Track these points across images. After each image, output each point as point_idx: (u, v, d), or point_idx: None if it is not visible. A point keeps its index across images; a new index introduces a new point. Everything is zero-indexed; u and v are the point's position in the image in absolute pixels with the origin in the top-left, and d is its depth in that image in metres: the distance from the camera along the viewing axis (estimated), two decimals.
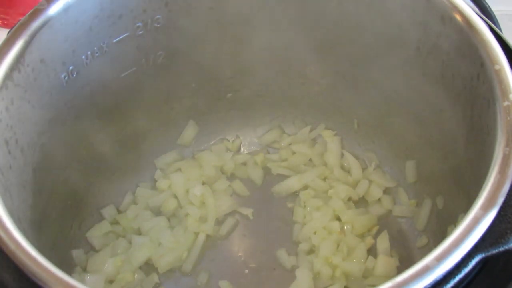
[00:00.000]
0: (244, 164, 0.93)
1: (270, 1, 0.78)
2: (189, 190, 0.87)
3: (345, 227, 0.84)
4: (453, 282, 0.48)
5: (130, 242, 0.83)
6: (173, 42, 0.79)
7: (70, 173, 0.78)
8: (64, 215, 0.79)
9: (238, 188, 0.91)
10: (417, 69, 0.73)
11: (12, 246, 0.50)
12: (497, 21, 0.73)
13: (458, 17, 0.65)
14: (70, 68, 0.70)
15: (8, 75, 0.61)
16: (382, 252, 0.82)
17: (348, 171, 0.91)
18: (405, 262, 0.81)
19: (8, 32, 0.64)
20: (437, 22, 0.67)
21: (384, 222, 0.86)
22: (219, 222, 0.87)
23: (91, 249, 0.83)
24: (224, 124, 0.95)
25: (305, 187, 0.90)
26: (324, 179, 0.90)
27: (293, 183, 0.90)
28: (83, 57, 0.71)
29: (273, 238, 0.85)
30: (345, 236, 0.83)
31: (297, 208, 0.87)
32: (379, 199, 0.88)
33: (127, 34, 0.74)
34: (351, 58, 0.80)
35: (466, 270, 0.48)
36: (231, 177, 0.93)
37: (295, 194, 0.90)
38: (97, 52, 0.72)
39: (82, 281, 0.77)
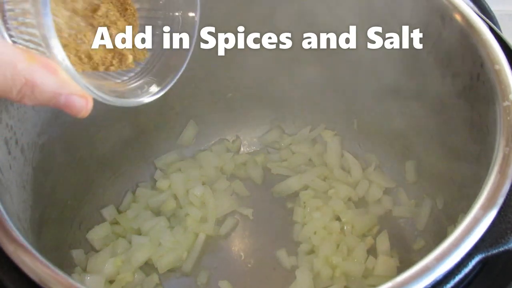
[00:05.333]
0: (244, 164, 0.93)
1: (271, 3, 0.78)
2: (189, 190, 0.87)
3: (345, 227, 0.84)
4: (453, 282, 0.48)
5: (130, 242, 0.83)
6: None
7: (70, 173, 0.78)
8: (64, 215, 0.79)
9: (238, 188, 0.91)
10: (417, 69, 0.73)
11: (12, 246, 0.50)
12: (497, 21, 0.73)
13: (458, 17, 0.65)
14: None
15: None
16: (382, 252, 0.82)
17: (348, 171, 0.91)
18: (405, 262, 0.81)
19: None
20: (437, 22, 0.67)
21: (384, 222, 0.86)
22: (219, 222, 0.87)
23: (91, 249, 0.83)
24: (224, 124, 0.95)
25: (305, 187, 0.90)
26: (324, 179, 0.90)
27: (293, 183, 0.90)
28: None
29: (273, 238, 0.85)
30: (345, 236, 0.83)
31: (297, 208, 0.87)
32: (379, 199, 0.88)
33: None
34: (351, 58, 0.80)
35: (466, 270, 0.48)
36: (231, 177, 0.92)
37: (295, 194, 0.90)
38: None
39: (82, 281, 0.77)
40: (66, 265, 0.79)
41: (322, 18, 0.77)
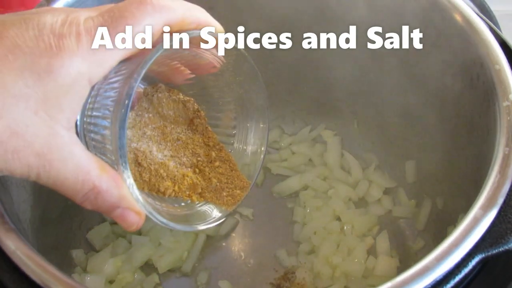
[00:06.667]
0: None
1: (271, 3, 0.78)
2: None
3: (345, 227, 0.84)
4: (453, 282, 0.48)
5: (130, 242, 0.83)
6: None
7: None
8: (64, 215, 0.79)
9: None
10: (417, 69, 0.73)
11: (12, 246, 0.50)
12: (497, 21, 0.73)
13: (458, 17, 0.65)
14: None
15: None
16: (382, 252, 0.82)
17: (348, 171, 0.91)
18: (405, 262, 0.81)
19: None
20: (437, 22, 0.67)
21: (384, 222, 0.86)
22: None
23: (91, 249, 0.83)
24: None
25: (305, 187, 0.90)
26: (324, 179, 0.90)
27: (293, 183, 0.90)
28: None
29: (273, 238, 0.85)
30: (345, 236, 0.83)
31: (297, 208, 0.87)
32: (379, 199, 0.88)
33: None
34: (351, 59, 0.80)
35: (466, 270, 0.48)
36: None
37: (295, 194, 0.90)
38: None
39: (82, 281, 0.77)
40: (66, 265, 0.79)
41: (322, 18, 0.77)
